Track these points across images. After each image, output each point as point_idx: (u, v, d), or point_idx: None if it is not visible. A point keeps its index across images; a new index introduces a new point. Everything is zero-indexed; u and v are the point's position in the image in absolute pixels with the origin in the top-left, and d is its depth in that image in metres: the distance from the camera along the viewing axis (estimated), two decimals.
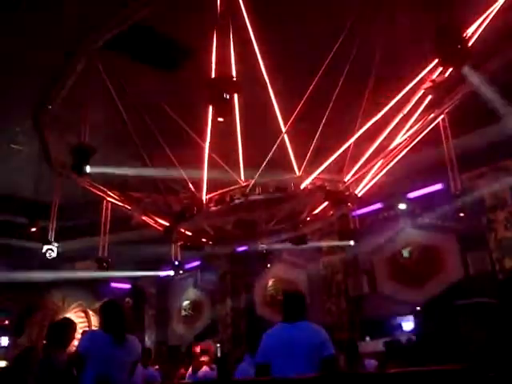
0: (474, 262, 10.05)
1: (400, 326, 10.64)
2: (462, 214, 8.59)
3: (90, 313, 13.80)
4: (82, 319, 13.67)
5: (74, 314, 13.42)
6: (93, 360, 4.31)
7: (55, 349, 4.93)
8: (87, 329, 13.13)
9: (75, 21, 6.30)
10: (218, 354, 9.98)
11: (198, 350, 7.87)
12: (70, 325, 5.20)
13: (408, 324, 10.45)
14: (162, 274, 13.22)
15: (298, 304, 4.42)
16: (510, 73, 6.83)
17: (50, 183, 8.70)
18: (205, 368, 7.41)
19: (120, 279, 14.39)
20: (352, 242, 10.52)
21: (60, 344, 4.93)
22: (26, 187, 10.10)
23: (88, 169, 6.76)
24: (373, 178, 7.82)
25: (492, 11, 5.90)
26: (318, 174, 7.35)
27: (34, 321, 13.61)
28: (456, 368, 2.85)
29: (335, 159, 7.28)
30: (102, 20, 6.23)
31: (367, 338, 10.79)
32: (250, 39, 6.08)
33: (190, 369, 7.78)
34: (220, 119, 5.61)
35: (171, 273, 11.92)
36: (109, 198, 8.50)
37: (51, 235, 8.71)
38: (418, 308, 10.43)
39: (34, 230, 8.72)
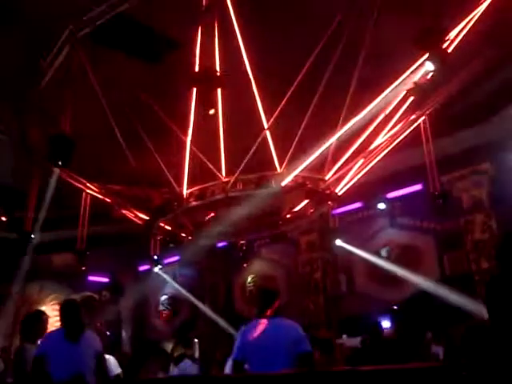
0: (450, 262, 10.20)
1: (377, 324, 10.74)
2: (440, 216, 8.71)
3: None
4: (58, 312, 13.50)
5: (50, 307, 13.25)
6: (51, 359, 4.38)
7: (27, 342, 4.94)
8: None
9: (59, 8, 6.22)
10: (196, 350, 9.87)
11: None
12: (41, 316, 5.22)
13: (385, 323, 10.56)
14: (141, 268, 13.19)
15: (271, 299, 4.44)
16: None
17: (28, 173, 8.56)
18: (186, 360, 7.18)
19: (97, 272, 14.24)
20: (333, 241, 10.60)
21: (32, 337, 4.95)
22: (3, 176, 9.92)
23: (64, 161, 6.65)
24: (353, 177, 7.88)
25: (475, 15, 5.99)
26: (300, 172, 7.37)
27: (8, 312, 13.40)
28: (431, 366, 2.90)
29: (317, 157, 7.31)
30: (86, 9, 6.16)
31: (344, 336, 10.87)
32: (235, 34, 6.08)
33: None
34: (210, 112, 5.59)
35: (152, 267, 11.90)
36: (88, 190, 8.40)
37: (28, 225, 8.58)
38: (395, 307, 10.54)
39: (3, 219, 8.45)
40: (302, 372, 3.69)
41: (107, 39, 6.72)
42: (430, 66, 5.62)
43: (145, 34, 6.79)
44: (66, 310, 4.81)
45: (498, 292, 3.13)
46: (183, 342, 7.42)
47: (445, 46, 5.27)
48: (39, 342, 4.77)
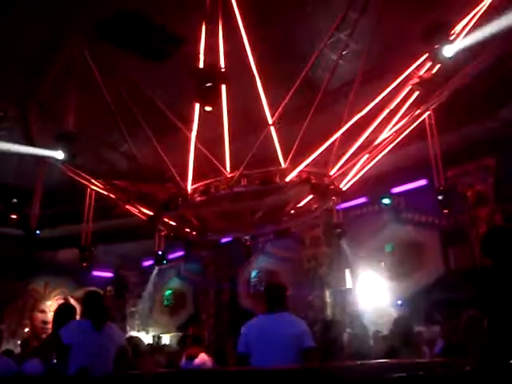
0: (455, 257, 10.19)
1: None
2: (445, 211, 8.68)
3: (72, 301, 13.71)
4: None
5: (56, 302, 13.32)
6: (76, 348, 4.33)
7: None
8: None
9: (62, 8, 6.22)
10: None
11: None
12: (75, 309, 5.27)
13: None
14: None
15: (279, 295, 4.45)
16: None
17: (33, 170, 8.58)
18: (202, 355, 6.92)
19: (102, 267, 14.29)
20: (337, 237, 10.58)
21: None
22: (8, 173, 9.96)
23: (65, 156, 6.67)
24: (358, 172, 7.85)
25: (480, 9, 5.95)
26: (304, 167, 7.36)
27: (15, 308, 13.50)
28: (434, 361, 2.90)
29: (321, 152, 7.29)
30: (89, 6, 6.16)
31: (348, 330, 10.86)
32: (239, 31, 6.06)
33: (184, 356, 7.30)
34: (208, 109, 5.58)
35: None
36: (93, 187, 8.41)
37: (33, 222, 8.60)
38: (400, 302, 10.53)
39: (14, 216, 8.48)
40: (306, 367, 3.70)
41: (112, 36, 6.71)
42: (436, 60, 5.59)
43: (149, 31, 6.77)
44: (90, 300, 4.85)
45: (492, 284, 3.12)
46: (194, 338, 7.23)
47: (451, 39, 5.23)
48: (63, 330, 4.70)
